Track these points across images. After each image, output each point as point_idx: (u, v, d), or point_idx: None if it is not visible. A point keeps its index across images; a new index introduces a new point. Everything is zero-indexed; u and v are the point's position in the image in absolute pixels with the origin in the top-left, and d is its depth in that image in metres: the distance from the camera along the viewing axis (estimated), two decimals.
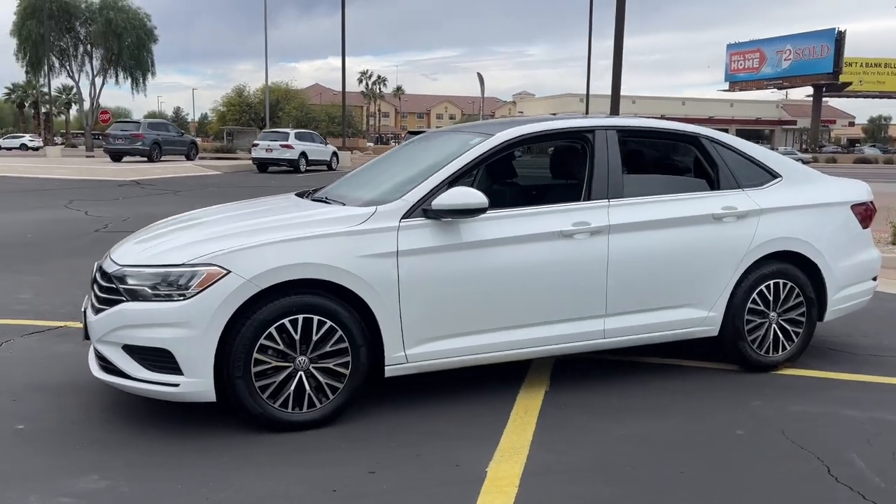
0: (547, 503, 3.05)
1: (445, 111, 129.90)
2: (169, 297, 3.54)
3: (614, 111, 11.88)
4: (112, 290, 3.68)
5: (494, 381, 4.48)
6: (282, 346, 3.65)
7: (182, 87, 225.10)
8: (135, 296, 3.60)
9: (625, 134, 4.66)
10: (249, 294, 3.56)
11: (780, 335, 4.80)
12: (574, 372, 4.76)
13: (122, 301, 3.63)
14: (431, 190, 3.98)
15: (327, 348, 3.74)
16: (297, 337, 3.66)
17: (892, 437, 3.77)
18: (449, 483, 3.20)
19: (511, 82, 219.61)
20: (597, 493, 3.14)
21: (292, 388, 3.69)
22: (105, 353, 3.67)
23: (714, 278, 4.56)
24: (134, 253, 3.87)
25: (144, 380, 3.58)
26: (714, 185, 4.74)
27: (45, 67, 40.96)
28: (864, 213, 5.09)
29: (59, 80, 52.33)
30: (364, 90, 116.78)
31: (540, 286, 4.14)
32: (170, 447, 3.53)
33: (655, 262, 4.40)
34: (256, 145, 30.57)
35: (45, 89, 51.26)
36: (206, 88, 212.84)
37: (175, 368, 3.53)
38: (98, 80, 43.84)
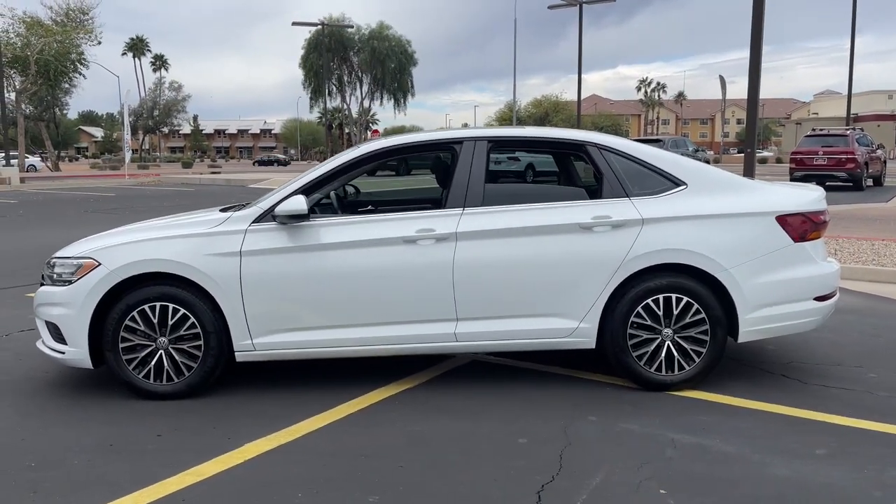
0: (250, 474, 3.46)
1: (732, 115, 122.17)
2: (63, 282, 4.51)
3: (751, 111, 10.87)
4: (42, 274, 4.77)
5: (371, 373, 4.84)
6: (143, 328, 4.44)
7: (478, 104, 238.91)
8: (50, 280, 4.63)
9: (497, 144, 4.74)
10: (114, 282, 4.40)
11: (677, 354, 4.49)
12: (461, 374, 4.92)
13: (43, 284, 4.69)
14: (283, 198, 4.50)
15: (181, 332, 4.45)
16: (155, 321, 4.43)
17: (676, 466, 3.50)
18: (200, 448, 3.73)
19: (824, 80, 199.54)
20: (300, 474, 3.47)
21: (153, 363, 4.47)
22: (37, 324, 4.76)
23: (580, 289, 4.45)
24: (69, 246, 4.93)
25: (50, 347, 4.60)
26: (597, 193, 4.60)
27: (325, 93, 47.12)
28: (798, 225, 4.52)
29: (334, 104, 58.97)
30: (643, 98, 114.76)
31: (383, 288, 4.44)
32: (59, 399, 4.51)
33: (508, 270, 4.43)
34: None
35: (347, 113, 58.30)
36: (497, 104, 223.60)
37: (62, 339, 4.50)
38: (366, 103, 49.12)
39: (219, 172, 45.06)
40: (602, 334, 4.51)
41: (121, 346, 4.44)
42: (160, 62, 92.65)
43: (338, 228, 4.49)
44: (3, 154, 31.75)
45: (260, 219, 4.51)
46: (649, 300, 4.46)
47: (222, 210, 4.83)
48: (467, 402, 4.40)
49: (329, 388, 4.64)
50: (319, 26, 43.71)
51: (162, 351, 4.47)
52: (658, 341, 4.49)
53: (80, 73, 41.08)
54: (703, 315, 4.46)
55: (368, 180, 26.37)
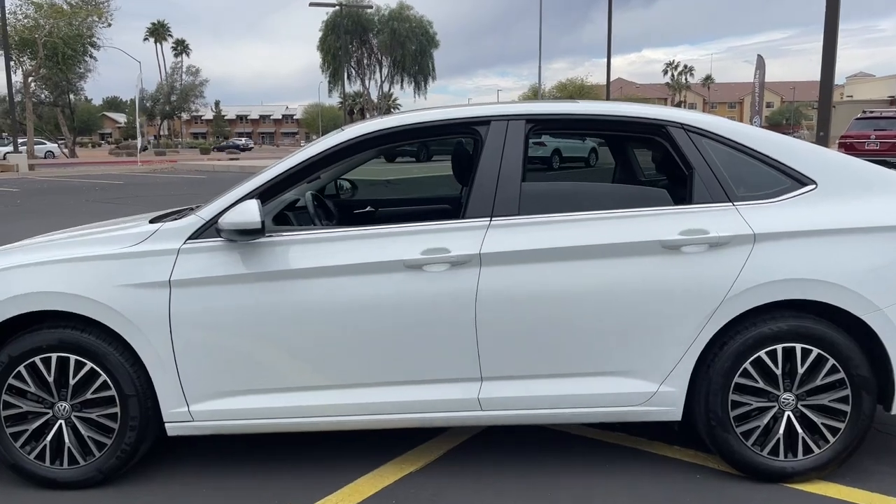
0: None
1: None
2: None
3: (825, 97, 9.33)
4: None
5: (358, 448, 3.49)
6: (34, 389, 3.12)
7: (501, 88, 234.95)
8: None
9: (539, 125, 3.32)
10: None
11: (802, 430, 3.09)
12: (483, 445, 3.54)
13: None
14: (230, 204, 3.14)
15: (89, 395, 3.12)
16: (50, 379, 3.11)
17: None
18: None
19: (855, 62, 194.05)
20: None
21: (49, 438, 3.14)
22: None
23: (662, 336, 3.05)
24: None
25: None
26: (686, 196, 3.19)
27: (343, 77, 45.65)
28: None
29: (353, 88, 57.22)
30: (669, 81, 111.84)
31: (375, 334, 3.08)
32: None
33: (556, 309, 3.04)
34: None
35: (367, 97, 56.84)
36: (520, 89, 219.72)
37: None
38: (386, 87, 47.60)
39: (237, 159, 43.86)
40: (692, 401, 3.12)
41: (2, 414, 3.13)
42: (181, 47, 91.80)
43: (310, 248, 3.12)
44: (11, 140, 30.76)
45: (199, 233, 3.15)
46: (762, 353, 3.05)
47: (153, 220, 3.47)
48: (496, 500, 3.03)
49: (297, 473, 3.29)
50: (337, 7, 42.22)
51: (62, 421, 3.15)
52: (774, 412, 3.09)
53: (92, 57, 40.04)
54: (841, 374, 3.04)
55: (387, 168, 24.97)
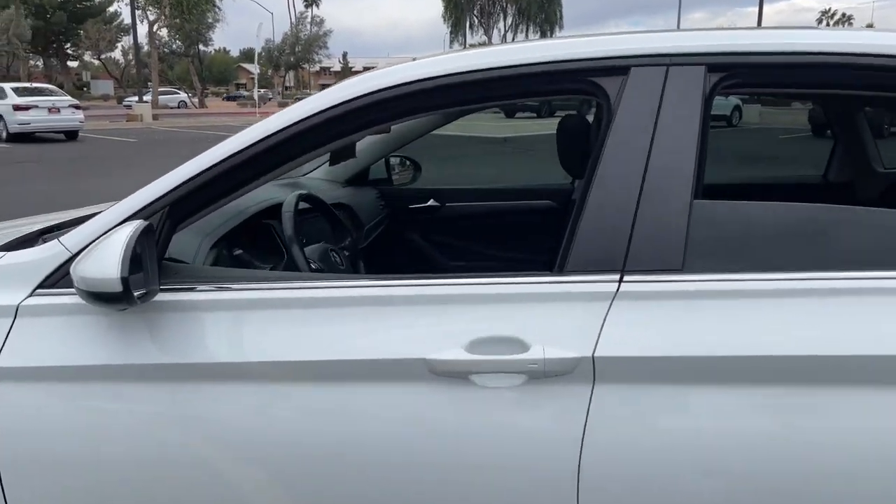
0: None
1: None
2: None
3: None
4: None
5: None
6: None
7: None
8: None
9: (741, 74, 1.55)
10: None
11: None
12: None
13: None
14: (104, 232, 1.63)
15: None
16: None
17: None
18: None
19: None
20: None
21: None
22: None
23: None
24: None
25: None
26: None
27: (465, 25, 43.82)
28: None
29: (476, 38, 54.95)
30: None
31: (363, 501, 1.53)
32: None
33: (765, 478, 1.38)
34: None
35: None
36: None
37: None
38: (509, 36, 45.39)
39: None
40: None
41: None
42: None
43: (256, 318, 1.58)
44: (136, 90, 31.36)
45: (60, 277, 1.67)
46: None
47: (6, 246, 2.00)
48: None
49: None
50: None
51: None
52: None
53: (217, 7, 40.34)
54: None
55: (506, 124, 23.10)
